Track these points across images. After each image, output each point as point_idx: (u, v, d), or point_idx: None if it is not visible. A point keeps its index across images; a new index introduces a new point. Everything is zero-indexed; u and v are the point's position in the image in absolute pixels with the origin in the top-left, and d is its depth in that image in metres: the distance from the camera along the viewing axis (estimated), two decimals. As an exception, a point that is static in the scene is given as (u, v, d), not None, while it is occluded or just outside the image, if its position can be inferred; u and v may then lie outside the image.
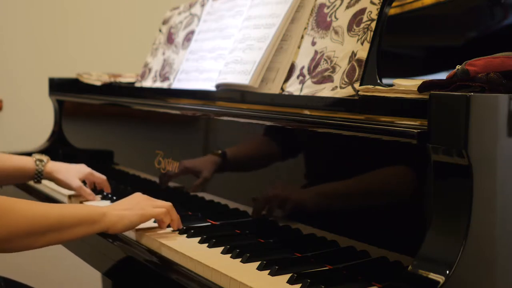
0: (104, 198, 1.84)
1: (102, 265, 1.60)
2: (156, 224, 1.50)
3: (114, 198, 1.79)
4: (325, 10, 1.53)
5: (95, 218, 1.35)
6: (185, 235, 1.45)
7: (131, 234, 1.52)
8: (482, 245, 1.00)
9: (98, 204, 1.77)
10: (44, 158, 1.86)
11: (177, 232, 1.47)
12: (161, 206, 1.46)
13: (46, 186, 1.98)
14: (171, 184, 1.79)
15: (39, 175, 1.84)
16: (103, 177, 1.89)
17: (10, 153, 2.38)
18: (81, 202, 1.80)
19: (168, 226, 1.49)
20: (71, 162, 2.31)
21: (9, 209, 1.23)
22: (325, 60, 1.47)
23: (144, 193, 1.76)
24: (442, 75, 1.68)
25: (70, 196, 1.85)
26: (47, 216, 1.29)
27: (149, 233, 1.46)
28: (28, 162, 1.83)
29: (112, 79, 2.35)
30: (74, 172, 1.84)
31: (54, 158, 2.42)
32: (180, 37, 2.12)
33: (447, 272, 0.96)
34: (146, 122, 2.00)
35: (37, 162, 1.83)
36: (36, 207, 1.30)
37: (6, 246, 1.24)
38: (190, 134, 1.78)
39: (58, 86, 2.51)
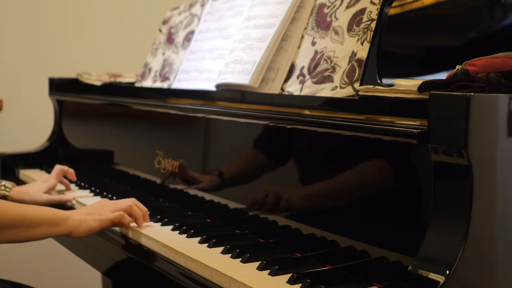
0: (81, 188, 1.95)
1: (102, 265, 1.60)
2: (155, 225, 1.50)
3: (87, 186, 1.90)
4: (325, 10, 1.53)
5: (57, 220, 1.39)
6: (185, 235, 1.45)
7: (131, 234, 1.52)
8: (482, 245, 1.00)
9: (90, 198, 1.84)
10: (9, 184, 1.84)
11: (177, 231, 1.47)
12: (121, 208, 1.48)
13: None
14: (171, 184, 1.79)
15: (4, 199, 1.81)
16: (56, 173, 1.89)
17: (11, 153, 2.39)
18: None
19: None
20: (71, 162, 2.32)
21: None
22: (325, 60, 1.47)
23: (144, 192, 1.77)
24: (442, 75, 1.68)
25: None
26: (9, 211, 1.33)
27: (147, 232, 1.46)
28: None
29: (112, 79, 2.35)
30: (37, 189, 1.84)
31: (54, 158, 2.43)
32: (180, 37, 2.12)
33: (447, 272, 0.96)
34: (146, 122, 2.00)
35: (2, 187, 1.82)
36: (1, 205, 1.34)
37: None
38: (190, 134, 1.78)
39: (58, 86, 2.51)
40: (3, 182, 1.85)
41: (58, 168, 1.92)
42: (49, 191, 1.86)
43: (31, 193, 1.83)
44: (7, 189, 1.83)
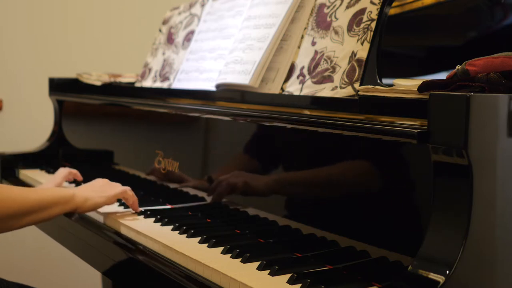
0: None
1: (102, 265, 1.60)
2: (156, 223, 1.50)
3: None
4: (325, 10, 1.53)
5: (67, 198, 1.50)
6: (185, 235, 1.45)
7: (131, 234, 1.52)
8: (482, 245, 1.00)
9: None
10: None
11: (177, 231, 1.47)
12: (121, 189, 1.61)
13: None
14: (171, 184, 1.79)
15: None
16: (64, 174, 1.88)
17: (11, 153, 2.39)
18: None
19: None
20: (71, 162, 2.32)
21: None
22: (325, 60, 1.47)
23: (144, 192, 1.77)
24: (442, 75, 1.68)
25: None
26: (29, 198, 1.42)
27: (148, 232, 1.47)
28: None
29: (112, 79, 2.35)
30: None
31: (54, 158, 2.43)
32: (180, 37, 2.12)
33: (447, 272, 0.96)
34: (146, 122, 2.00)
35: None
36: (16, 191, 1.43)
37: None
38: (190, 134, 1.78)
39: (58, 86, 2.51)
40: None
41: (66, 170, 1.90)
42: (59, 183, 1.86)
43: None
44: None
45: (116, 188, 1.61)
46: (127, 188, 1.64)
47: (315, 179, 1.35)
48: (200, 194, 1.66)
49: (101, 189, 1.59)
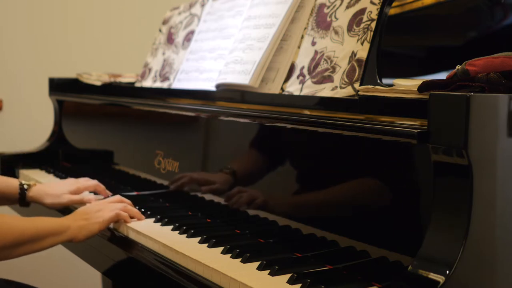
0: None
1: (102, 265, 1.60)
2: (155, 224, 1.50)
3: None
4: (325, 10, 1.53)
5: (62, 229, 1.47)
6: (185, 235, 1.45)
7: (131, 234, 1.52)
8: (482, 245, 1.00)
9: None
10: (31, 182, 1.82)
11: (177, 231, 1.47)
12: (116, 208, 1.56)
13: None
14: (171, 185, 1.79)
15: (22, 200, 1.81)
16: (91, 182, 1.84)
17: (11, 153, 2.39)
18: None
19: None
20: (71, 162, 2.32)
21: None
22: (325, 60, 1.47)
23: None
24: (442, 75, 1.68)
25: None
26: (25, 230, 1.42)
27: (148, 232, 1.47)
28: (11, 185, 1.81)
29: (112, 79, 2.35)
30: (62, 190, 1.81)
31: (54, 158, 2.43)
32: (180, 37, 2.12)
33: (447, 272, 0.96)
34: (146, 122, 2.00)
35: (20, 186, 1.80)
36: (16, 222, 1.42)
37: None
38: (190, 134, 1.78)
39: (58, 86, 2.51)
40: (24, 181, 1.82)
41: (93, 182, 1.85)
42: (73, 193, 1.81)
43: (55, 192, 1.81)
44: (25, 187, 1.80)
45: (110, 212, 1.55)
46: (122, 206, 1.58)
47: (315, 179, 1.35)
48: (200, 194, 1.66)
49: (96, 214, 1.54)
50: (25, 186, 1.80)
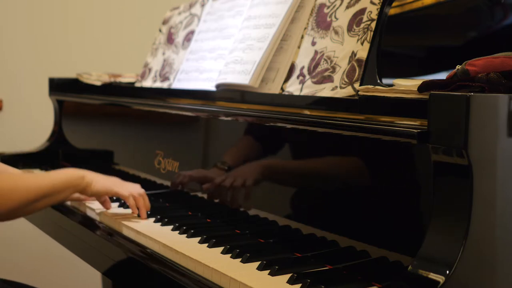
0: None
1: (102, 265, 1.60)
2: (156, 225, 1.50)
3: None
4: (325, 10, 1.53)
5: (78, 181, 1.56)
6: (185, 235, 1.45)
7: (131, 234, 1.52)
8: (482, 245, 1.00)
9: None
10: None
11: (177, 231, 1.47)
12: (136, 191, 1.62)
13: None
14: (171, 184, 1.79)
15: None
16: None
17: (11, 153, 2.39)
18: None
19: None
20: (71, 162, 2.32)
21: (13, 187, 1.43)
22: (325, 60, 1.47)
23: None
24: (442, 75, 1.68)
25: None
26: (42, 185, 1.48)
27: (148, 232, 1.47)
28: None
29: (112, 79, 2.35)
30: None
31: (54, 158, 2.43)
32: (180, 37, 2.12)
33: (447, 272, 0.96)
34: (146, 122, 2.00)
35: None
36: (31, 179, 1.50)
37: (11, 216, 1.44)
38: (190, 134, 1.78)
39: (58, 86, 2.51)
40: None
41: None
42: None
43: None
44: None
45: (124, 190, 1.62)
46: (137, 193, 1.62)
47: (315, 179, 1.35)
48: (200, 194, 1.66)
49: (110, 179, 1.63)
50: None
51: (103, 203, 1.68)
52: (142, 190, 1.64)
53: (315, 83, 1.46)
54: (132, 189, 1.63)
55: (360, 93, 1.27)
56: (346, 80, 1.38)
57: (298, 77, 1.53)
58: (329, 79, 1.43)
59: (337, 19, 1.48)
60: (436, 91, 1.04)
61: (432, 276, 0.97)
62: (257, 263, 1.22)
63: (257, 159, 1.51)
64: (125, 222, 1.57)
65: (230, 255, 1.29)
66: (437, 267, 0.98)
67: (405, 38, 2.10)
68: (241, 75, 1.64)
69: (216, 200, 1.60)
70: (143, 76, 2.24)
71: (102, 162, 2.22)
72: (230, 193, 1.55)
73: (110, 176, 1.67)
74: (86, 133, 2.41)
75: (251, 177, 1.50)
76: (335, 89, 1.40)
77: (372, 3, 1.41)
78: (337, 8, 1.50)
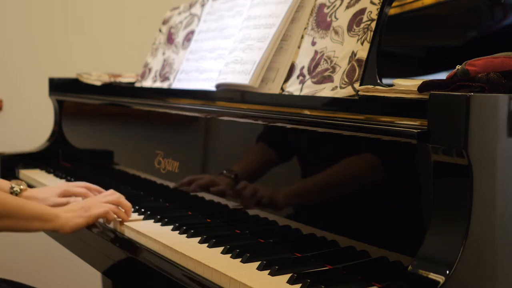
0: None
1: (102, 265, 1.60)
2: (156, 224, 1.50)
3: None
4: (325, 10, 1.53)
5: (49, 217, 1.50)
6: (185, 235, 1.45)
7: (131, 234, 1.52)
8: (482, 245, 1.00)
9: None
10: (22, 185, 1.80)
11: (177, 231, 1.47)
12: (109, 200, 1.59)
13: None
14: (171, 184, 1.79)
15: None
16: (81, 186, 1.80)
17: (11, 153, 2.39)
18: None
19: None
20: (71, 162, 2.32)
21: None
22: (325, 60, 1.47)
23: (144, 192, 1.76)
24: (442, 75, 1.68)
25: None
26: (6, 203, 1.44)
27: (148, 232, 1.47)
28: (2, 188, 1.78)
29: (112, 79, 2.35)
30: (50, 193, 1.78)
31: (54, 158, 2.43)
32: (180, 37, 2.12)
33: (447, 272, 0.96)
34: (146, 122, 2.00)
35: (11, 190, 1.77)
36: (2, 195, 1.45)
37: None
38: (190, 134, 1.78)
39: (58, 86, 2.51)
40: (14, 183, 1.80)
41: (83, 184, 1.83)
42: (61, 196, 1.79)
43: (43, 200, 1.77)
44: (16, 191, 1.78)
45: (100, 208, 1.57)
46: (115, 198, 1.60)
47: (315, 179, 1.35)
48: (200, 194, 1.66)
49: (85, 209, 1.56)
50: (16, 190, 1.78)
51: None
52: (115, 196, 1.61)
53: (315, 83, 1.46)
54: (108, 200, 1.59)
55: (360, 93, 1.27)
56: (346, 80, 1.38)
57: (298, 77, 1.53)
58: (329, 79, 1.43)
59: (337, 19, 1.48)
60: (436, 91, 1.04)
61: (432, 276, 0.97)
62: (257, 263, 1.22)
63: (257, 160, 1.51)
64: (125, 222, 1.57)
65: (230, 255, 1.29)
66: (437, 267, 0.98)
67: (405, 38, 2.10)
68: (241, 75, 1.64)
69: (217, 200, 1.60)
70: (143, 76, 2.24)
71: (102, 162, 2.22)
72: (238, 196, 1.54)
73: (85, 202, 1.60)
74: (86, 133, 2.41)
75: (255, 179, 1.50)
76: (335, 89, 1.40)
77: (372, 3, 1.41)
78: (337, 8, 1.50)
